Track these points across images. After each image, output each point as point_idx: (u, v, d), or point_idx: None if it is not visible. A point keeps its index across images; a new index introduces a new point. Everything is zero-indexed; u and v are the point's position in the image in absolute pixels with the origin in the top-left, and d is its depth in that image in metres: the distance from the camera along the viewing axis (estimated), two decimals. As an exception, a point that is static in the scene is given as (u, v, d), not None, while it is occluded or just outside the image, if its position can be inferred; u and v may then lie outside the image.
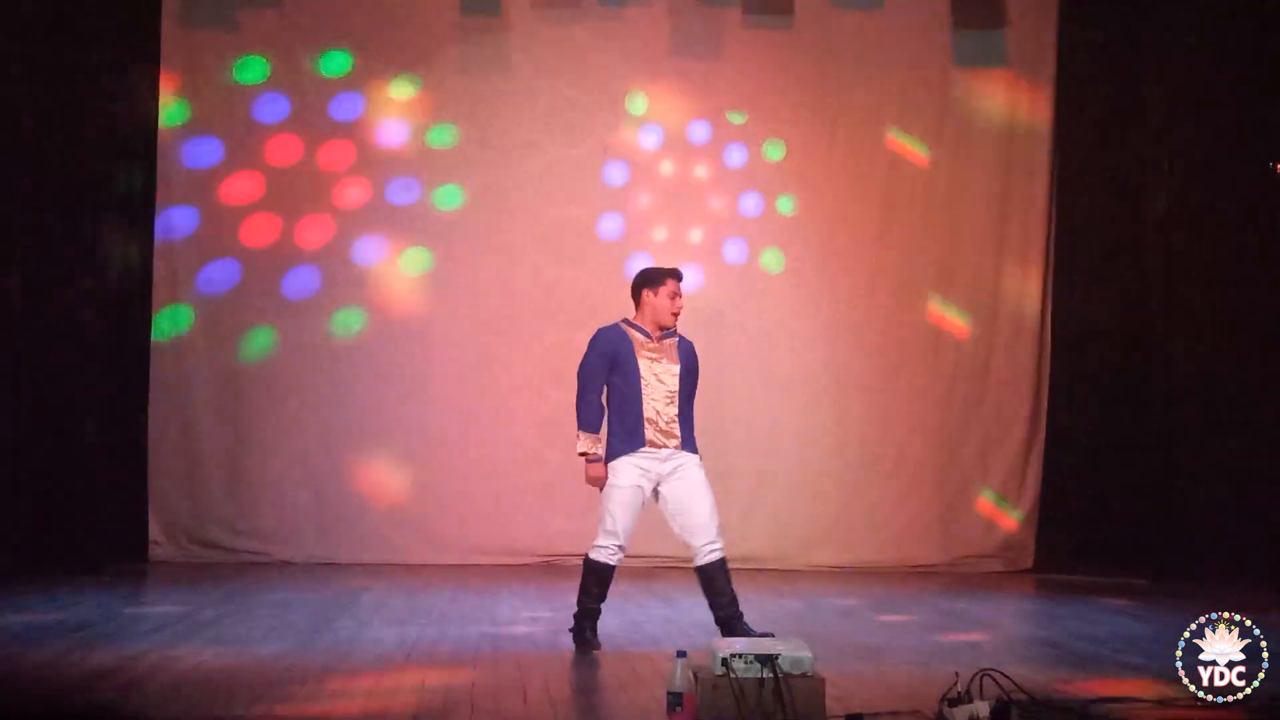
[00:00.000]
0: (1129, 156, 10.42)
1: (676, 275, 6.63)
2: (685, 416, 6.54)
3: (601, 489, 6.54)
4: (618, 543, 6.49)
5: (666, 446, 6.46)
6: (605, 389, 6.54)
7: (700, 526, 6.47)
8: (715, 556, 6.52)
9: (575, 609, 6.58)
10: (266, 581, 8.85)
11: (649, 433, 6.45)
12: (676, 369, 6.53)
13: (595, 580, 6.53)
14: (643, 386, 6.46)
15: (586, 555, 6.58)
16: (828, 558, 10.28)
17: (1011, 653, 6.61)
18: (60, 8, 9.41)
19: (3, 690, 5.31)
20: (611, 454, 6.50)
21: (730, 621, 6.49)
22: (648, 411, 6.45)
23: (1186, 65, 10.15)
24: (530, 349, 10.19)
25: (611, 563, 6.52)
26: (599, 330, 6.63)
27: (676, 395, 6.51)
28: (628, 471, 6.47)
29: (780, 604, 8.31)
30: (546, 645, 6.59)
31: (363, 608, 7.72)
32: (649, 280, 6.60)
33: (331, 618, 7.28)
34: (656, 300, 6.54)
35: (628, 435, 6.46)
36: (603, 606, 6.59)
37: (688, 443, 6.52)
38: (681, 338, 6.65)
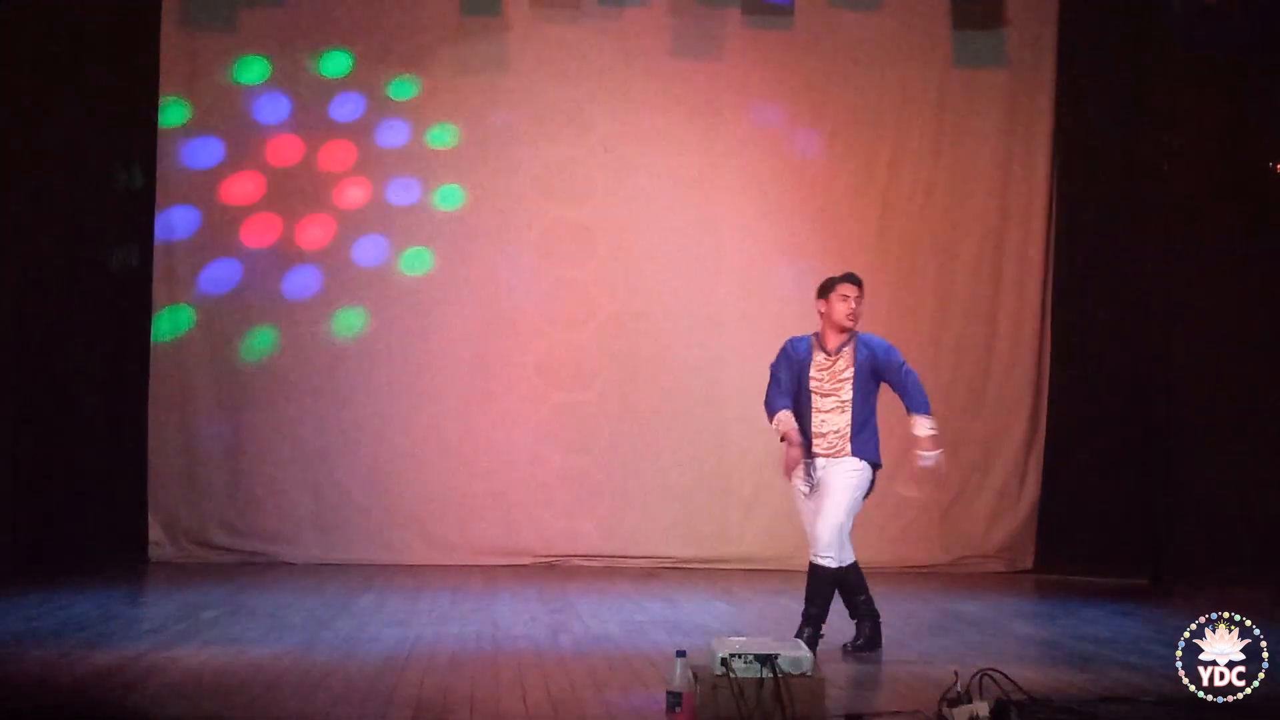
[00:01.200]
0: (1129, 156, 10.41)
1: (846, 279, 6.67)
2: (859, 422, 6.52)
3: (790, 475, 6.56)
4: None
5: (829, 455, 6.52)
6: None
7: (816, 530, 6.53)
8: (815, 561, 6.59)
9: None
10: (266, 582, 8.85)
11: (816, 444, 6.52)
12: (849, 373, 6.55)
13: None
14: (811, 398, 6.54)
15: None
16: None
17: (1011, 653, 6.61)
18: (60, 8, 9.40)
19: (3, 690, 5.31)
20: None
21: (804, 622, 6.55)
22: (814, 423, 6.51)
23: (1187, 64, 10.15)
24: (530, 349, 10.18)
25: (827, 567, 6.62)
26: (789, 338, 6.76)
27: (849, 404, 6.53)
28: (796, 483, 6.61)
29: (780, 604, 8.31)
30: (547, 646, 6.59)
31: (362, 608, 7.72)
32: (819, 292, 6.70)
33: (331, 618, 7.28)
34: (829, 308, 6.62)
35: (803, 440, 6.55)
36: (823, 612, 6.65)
37: (858, 450, 6.51)
38: (860, 338, 6.65)
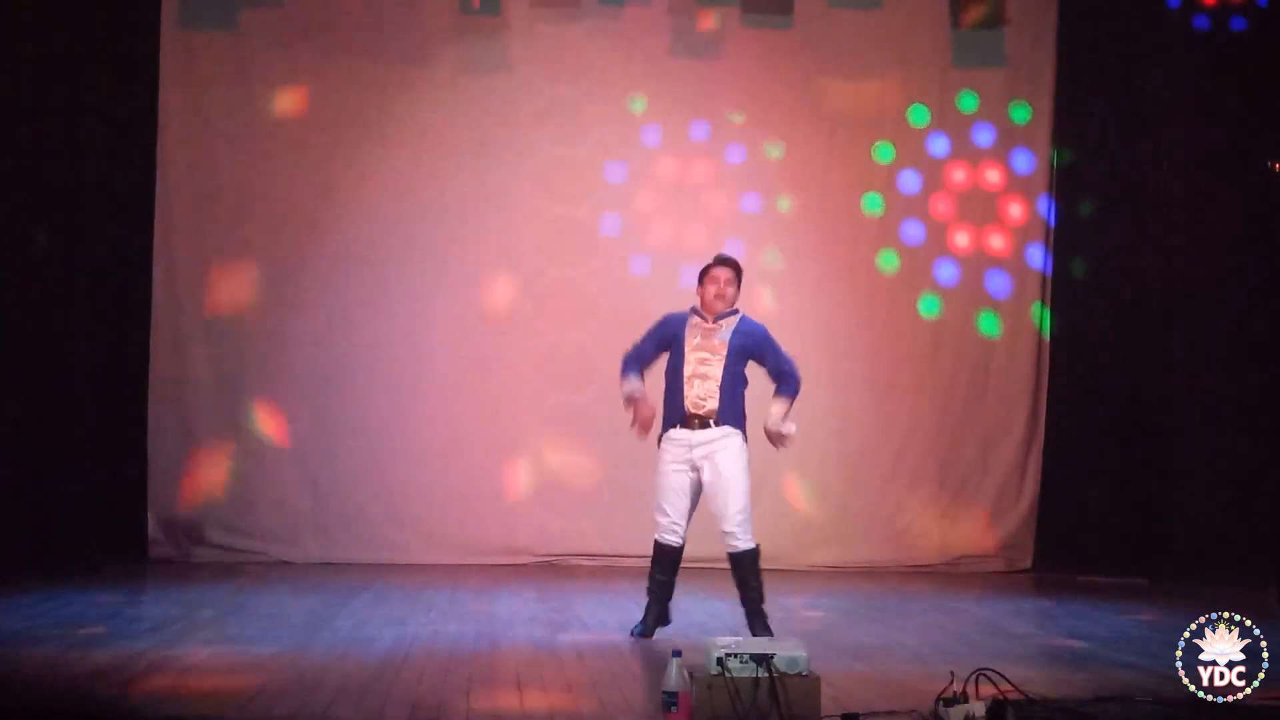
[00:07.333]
0: (1129, 156, 10.42)
1: (717, 261, 6.86)
2: (730, 399, 6.66)
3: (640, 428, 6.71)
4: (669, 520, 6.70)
5: (701, 426, 6.63)
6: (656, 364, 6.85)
7: (729, 512, 6.59)
8: (736, 546, 6.62)
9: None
10: (265, 581, 8.86)
11: (689, 410, 6.64)
12: (724, 350, 6.70)
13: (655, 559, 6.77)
14: (684, 365, 6.69)
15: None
16: (827, 558, 10.28)
17: (1009, 653, 6.60)
18: (60, 7, 9.40)
19: (2, 690, 5.32)
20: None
21: (750, 614, 6.67)
22: (686, 392, 6.65)
23: (1187, 64, 10.16)
24: (530, 349, 10.18)
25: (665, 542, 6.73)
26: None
27: (720, 379, 6.65)
28: (663, 457, 6.70)
29: (779, 604, 8.29)
30: (544, 645, 6.59)
31: (361, 607, 7.72)
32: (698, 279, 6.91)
33: (330, 617, 7.28)
34: (701, 291, 6.85)
35: (669, 412, 6.69)
36: (670, 590, 6.81)
37: (725, 418, 6.65)
38: (742, 319, 6.87)
